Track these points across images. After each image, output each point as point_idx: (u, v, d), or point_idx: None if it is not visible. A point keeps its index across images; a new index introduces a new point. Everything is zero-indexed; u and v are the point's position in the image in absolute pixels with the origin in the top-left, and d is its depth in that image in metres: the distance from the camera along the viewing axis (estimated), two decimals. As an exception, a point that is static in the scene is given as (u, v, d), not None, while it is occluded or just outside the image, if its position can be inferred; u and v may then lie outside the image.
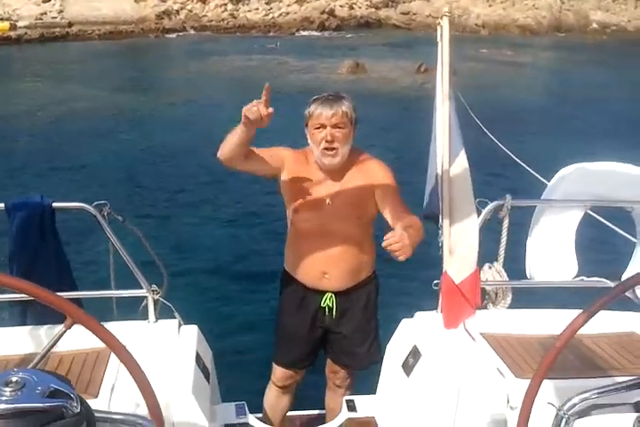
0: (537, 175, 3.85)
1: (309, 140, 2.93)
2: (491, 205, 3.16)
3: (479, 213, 3.03)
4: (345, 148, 2.88)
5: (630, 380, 1.89)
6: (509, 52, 29.62)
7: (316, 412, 3.80)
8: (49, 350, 2.14)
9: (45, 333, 2.80)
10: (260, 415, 3.43)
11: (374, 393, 3.41)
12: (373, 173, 2.99)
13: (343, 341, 3.23)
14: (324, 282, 3.06)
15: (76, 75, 21.08)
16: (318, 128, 2.84)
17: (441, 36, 2.79)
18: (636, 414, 1.78)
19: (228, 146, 2.77)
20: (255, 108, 2.52)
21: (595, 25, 40.33)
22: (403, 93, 18.34)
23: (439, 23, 2.80)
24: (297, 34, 34.74)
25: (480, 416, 2.60)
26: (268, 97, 2.53)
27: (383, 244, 2.33)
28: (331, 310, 3.12)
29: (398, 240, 2.29)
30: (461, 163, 2.87)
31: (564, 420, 1.83)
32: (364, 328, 3.22)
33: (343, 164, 2.93)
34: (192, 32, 33.05)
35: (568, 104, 17.84)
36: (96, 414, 1.51)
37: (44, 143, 12.65)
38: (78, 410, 1.39)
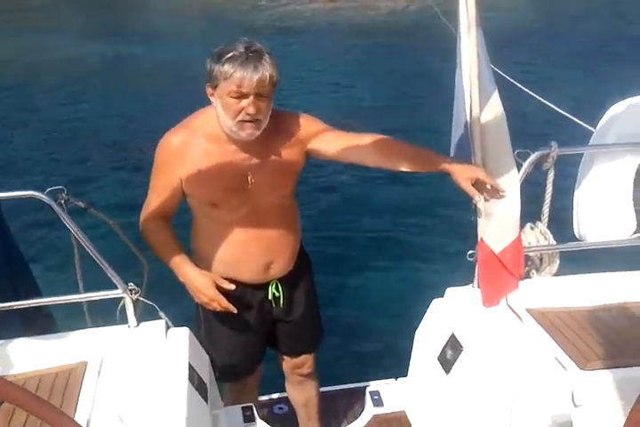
0: (577, 120, 3.30)
1: (219, 109, 2.28)
2: (534, 156, 2.67)
3: (519, 166, 2.57)
4: (267, 119, 2.30)
5: None
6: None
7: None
8: None
9: None
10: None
11: (394, 378, 3.15)
12: (296, 128, 2.46)
13: (294, 327, 2.85)
14: (269, 273, 2.63)
15: (43, 21, 20.44)
16: (237, 97, 2.20)
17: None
18: None
19: (150, 245, 2.49)
20: (215, 305, 2.42)
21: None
22: (388, 23, 17.51)
23: None
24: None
25: (540, 419, 2.22)
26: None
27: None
28: (277, 299, 2.71)
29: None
30: (494, 106, 2.41)
31: None
32: (311, 307, 2.86)
33: None
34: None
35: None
36: None
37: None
38: None
